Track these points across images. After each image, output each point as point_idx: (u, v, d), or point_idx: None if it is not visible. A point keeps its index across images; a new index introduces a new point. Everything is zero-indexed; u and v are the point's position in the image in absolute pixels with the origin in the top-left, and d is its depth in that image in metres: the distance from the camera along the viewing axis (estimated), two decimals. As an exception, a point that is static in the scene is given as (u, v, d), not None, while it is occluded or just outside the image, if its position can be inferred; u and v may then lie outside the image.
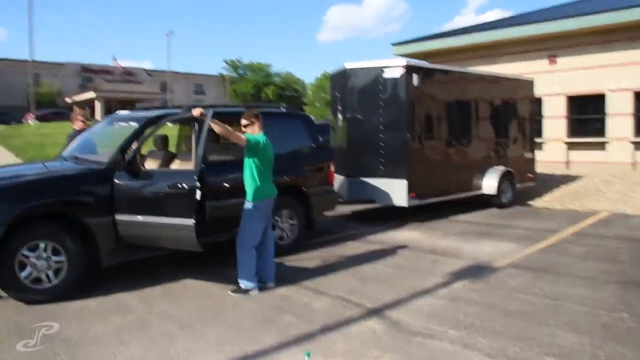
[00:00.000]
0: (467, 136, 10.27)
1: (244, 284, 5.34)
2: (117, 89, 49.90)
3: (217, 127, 5.15)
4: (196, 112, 5.33)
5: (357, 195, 9.34)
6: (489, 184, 10.38)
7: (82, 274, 5.27)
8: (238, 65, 71.72)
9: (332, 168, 7.88)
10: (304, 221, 7.22)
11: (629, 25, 13.87)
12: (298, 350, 3.93)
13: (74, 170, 5.76)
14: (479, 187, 10.40)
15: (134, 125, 6.00)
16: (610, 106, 14.68)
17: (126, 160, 5.51)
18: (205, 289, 5.56)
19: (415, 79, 8.99)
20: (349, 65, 9.43)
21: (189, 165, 5.59)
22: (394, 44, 19.21)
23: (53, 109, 44.77)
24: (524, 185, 11.50)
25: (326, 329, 4.36)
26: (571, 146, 15.47)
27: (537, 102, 13.97)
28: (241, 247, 5.37)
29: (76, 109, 8.50)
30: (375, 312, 4.77)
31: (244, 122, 5.43)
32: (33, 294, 4.98)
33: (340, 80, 9.77)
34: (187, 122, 6.57)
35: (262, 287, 5.43)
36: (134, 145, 5.72)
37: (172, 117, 6.15)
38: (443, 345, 4.00)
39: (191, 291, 5.47)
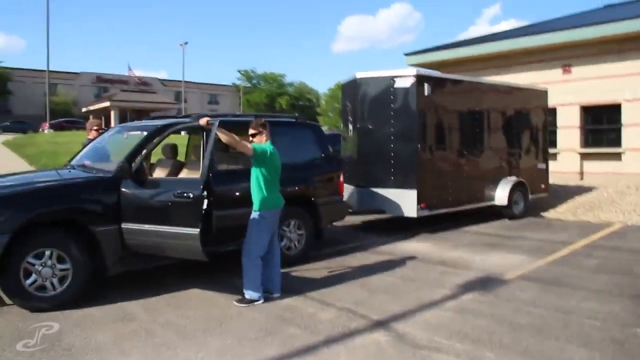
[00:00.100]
0: (479, 146, 10.17)
1: (249, 294, 5.30)
2: (132, 98, 50.46)
3: (224, 136, 5.13)
4: (203, 121, 5.32)
5: (367, 206, 9.27)
6: (501, 194, 10.26)
7: (87, 282, 5.26)
8: (252, 75, 72.19)
9: (342, 178, 7.82)
10: (312, 231, 7.16)
11: (645, 35, 13.70)
12: (300, 362, 3.87)
13: (81, 178, 5.78)
14: (491, 198, 10.28)
15: (142, 134, 6.01)
16: (626, 116, 14.48)
17: (133, 169, 5.51)
18: (210, 298, 5.52)
19: (426, 89, 8.94)
20: (359, 74, 9.41)
21: (197, 174, 5.57)
22: (407, 54, 19.19)
23: (67, 118, 45.36)
24: (536, 196, 11.35)
25: (330, 341, 4.30)
26: (585, 157, 15.27)
27: (551, 113, 13.82)
28: (247, 257, 5.33)
29: (91, 119, 8.59)
30: (381, 324, 4.69)
31: (251, 131, 5.42)
32: (37, 302, 4.97)
33: (351, 89, 9.74)
34: (196, 132, 6.57)
35: (267, 297, 5.38)
36: (142, 154, 5.72)
37: (179, 126, 6.15)
38: (449, 359, 3.92)
39: (196, 300, 5.44)
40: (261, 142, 5.37)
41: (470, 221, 10.01)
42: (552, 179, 12.62)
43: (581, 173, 15.23)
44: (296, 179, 6.91)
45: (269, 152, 5.31)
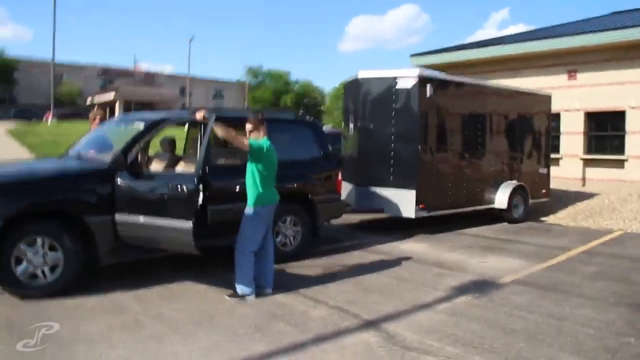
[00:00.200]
0: (480, 149, 10.12)
1: (240, 289, 5.26)
2: (137, 91, 50.39)
3: (220, 131, 5.09)
4: (199, 115, 5.28)
5: (365, 205, 9.22)
6: (501, 198, 10.21)
7: (79, 272, 5.24)
8: (258, 72, 72.10)
9: (340, 176, 7.78)
10: (308, 229, 7.13)
11: (651, 42, 13.62)
12: (287, 360, 3.84)
13: (76, 169, 5.76)
14: (490, 201, 10.23)
15: (139, 126, 5.97)
16: (630, 123, 14.40)
17: (128, 161, 5.48)
18: (203, 292, 5.49)
19: (428, 90, 8.88)
20: (362, 74, 9.36)
21: (193, 168, 5.55)
22: (412, 55, 19.13)
23: (71, 109, 45.39)
24: (537, 201, 11.28)
25: (319, 340, 4.25)
26: (588, 163, 15.19)
27: (555, 118, 13.74)
28: (240, 252, 5.29)
29: (94, 110, 8.56)
30: (372, 324, 4.65)
31: (248, 127, 5.37)
32: (28, 290, 4.97)
33: (353, 89, 9.70)
34: (195, 126, 6.54)
35: (259, 293, 5.34)
36: (137, 146, 5.69)
37: (175, 119, 6.12)
38: (438, 362, 3.88)
39: (189, 294, 5.41)
40: (258, 137, 5.33)
41: (469, 224, 9.96)
42: (554, 184, 12.55)
43: (583, 179, 15.16)
44: (294, 176, 6.89)
45: (265, 148, 5.27)
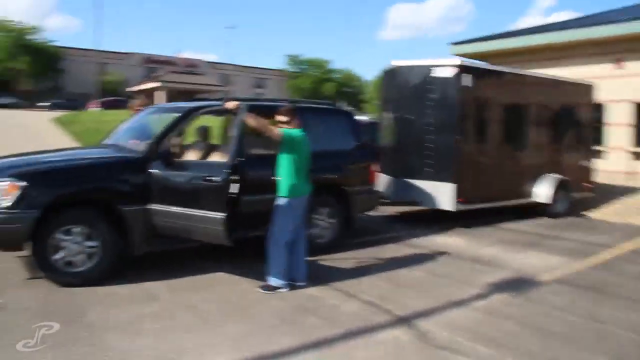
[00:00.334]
0: (521, 141, 9.80)
1: (273, 281, 5.24)
2: (179, 80, 51.08)
3: (251, 121, 5.05)
4: (230, 104, 5.25)
5: (402, 197, 9.08)
6: (543, 191, 9.89)
7: (115, 261, 5.31)
8: (299, 60, 72.17)
9: (375, 167, 7.66)
10: (343, 220, 7.04)
11: None
12: (315, 355, 3.78)
13: (111, 157, 5.82)
14: (532, 195, 9.92)
15: (173, 115, 5.99)
16: (683, 115, 13.74)
17: (161, 150, 5.50)
18: (235, 283, 5.49)
19: (468, 80, 8.63)
20: (399, 62, 9.17)
21: (226, 158, 5.52)
22: (452, 44, 18.68)
23: (115, 97, 46.44)
24: (580, 195, 10.89)
25: (349, 335, 4.20)
26: (636, 156, 14.58)
27: (599, 108, 13.21)
28: (273, 243, 5.27)
29: (136, 99, 8.71)
30: (404, 320, 4.56)
31: (280, 117, 5.32)
32: (64, 277, 5.07)
33: (390, 78, 9.52)
34: (231, 115, 6.51)
35: (292, 285, 5.30)
36: (171, 135, 5.71)
37: (208, 108, 6.10)
38: (469, 363, 3.77)
39: (220, 285, 5.42)
40: (290, 128, 5.27)
41: (508, 218, 9.68)
42: (600, 178, 12.09)
43: (631, 173, 14.56)
44: (328, 167, 6.80)
45: (297, 138, 5.21)
